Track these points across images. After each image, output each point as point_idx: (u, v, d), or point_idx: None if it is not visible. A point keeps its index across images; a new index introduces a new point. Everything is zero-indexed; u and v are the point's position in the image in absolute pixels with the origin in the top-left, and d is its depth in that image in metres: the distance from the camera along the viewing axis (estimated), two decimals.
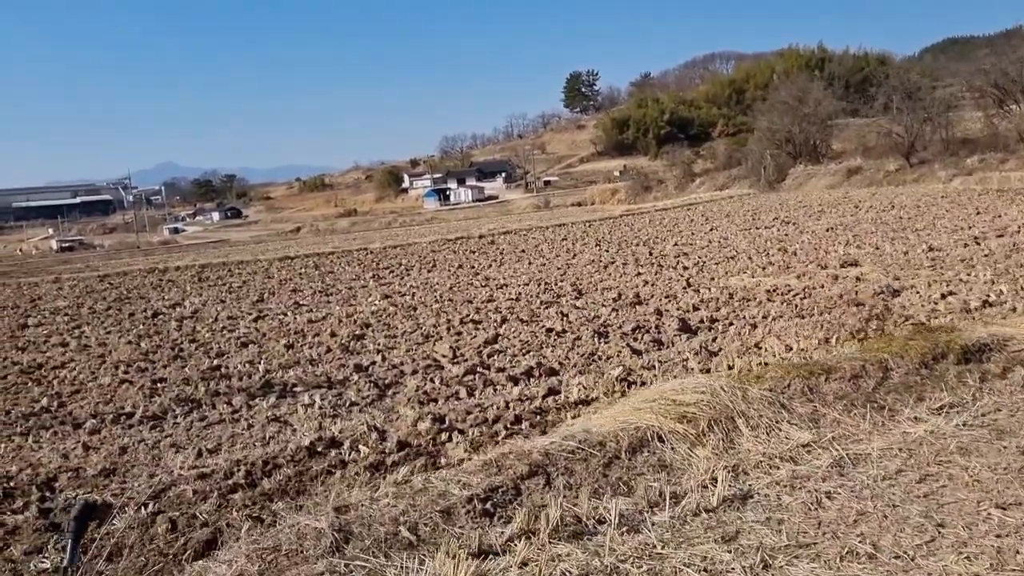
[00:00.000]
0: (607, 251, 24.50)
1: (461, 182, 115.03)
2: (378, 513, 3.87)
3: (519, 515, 3.69)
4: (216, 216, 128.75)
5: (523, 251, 27.25)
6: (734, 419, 4.88)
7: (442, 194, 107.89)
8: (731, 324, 12.27)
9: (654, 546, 3.58)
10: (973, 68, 61.26)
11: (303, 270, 26.13)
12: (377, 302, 17.34)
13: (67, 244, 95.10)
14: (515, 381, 10.00)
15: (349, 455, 7.53)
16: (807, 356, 9.25)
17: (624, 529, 3.74)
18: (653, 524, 3.80)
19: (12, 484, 7.40)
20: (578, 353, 11.13)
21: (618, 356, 10.89)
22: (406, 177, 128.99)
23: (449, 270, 22.90)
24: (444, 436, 7.85)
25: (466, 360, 11.18)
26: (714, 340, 11.26)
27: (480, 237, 35.14)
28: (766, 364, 7.29)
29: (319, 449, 7.76)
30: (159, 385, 11.07)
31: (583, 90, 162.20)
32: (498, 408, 8.80)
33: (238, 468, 7.29)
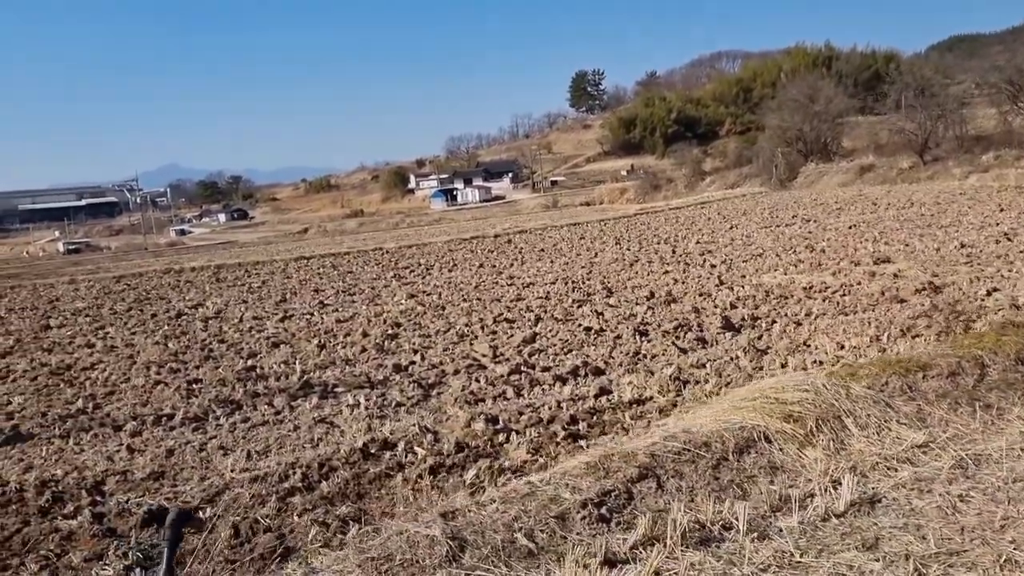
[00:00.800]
0: (629, 249, 24.25)
1: (468, 182, 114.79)
2: (489, 520, 3.63)
3: (642, 521, 3.46)
4: (222, 217, 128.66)
5: (542, 250, 27.01)
6: (841, 418, 4.64)
7: (449, 194, 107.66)
8: (774, 322, 12.02)
9: (791, 554, 3.35)
10: (987, 65, 60.90)
11: (321, 270, 25.91)
12: (404, 301, 17.11)
13: (74, 246, 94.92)
14: (562, 380, 9.77)
15: (405, 457, 7.30)
16: (890, 353, 9.03)
17: (753, 535, 3.51)
18: (782, 530, 3.57)
19: (60, 488, 7.18)
20: (622, 352, 10.89)
21: (664, 354, 10.66)
22: (412, 177, 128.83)
23: (471, 269, 22.67)
24: (502, 437, 7.63)
25: (507, 359, 10.94)
26: (759, 338, 11.02)
27: (495, 236, 34.90)
28: (857, 361, 7.03)
29: (372, 451, 7.53)
30: (195, 386, 10.85)
31: (589, 89, 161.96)
32: (550, 408, 8.57)
33: (293, 471, 7.07)
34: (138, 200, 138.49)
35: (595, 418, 8.04)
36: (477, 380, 9.89)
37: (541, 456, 7.03)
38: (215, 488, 6.91)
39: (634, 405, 8.41)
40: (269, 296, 20.06)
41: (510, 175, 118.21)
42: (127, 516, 6.44)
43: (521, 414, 8.43)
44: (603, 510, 3.63)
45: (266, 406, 9.59)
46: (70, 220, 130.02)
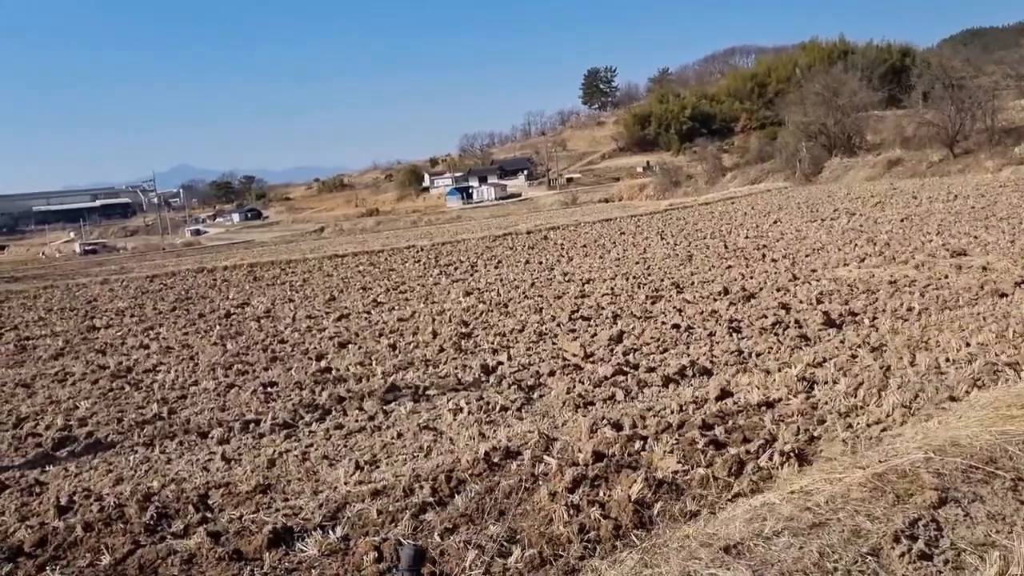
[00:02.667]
0: (677, 245, 23.58)
1: (483, 180, 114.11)
2: (788, 558, 2.99)
3: (990, 559, 2.82)
4: (236, 217, 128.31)
5: (583, 246, 26.35)
6: None
7: (465, 192, 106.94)
8: (875, 318, 11.37)
9: None
10: (1016, 56, 59.88)
11: (360, 268, 25.32)
12: (461, 299, 16.50)
13: (90, 247, 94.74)
14: (671, 382, 9.15)
15: (534, 467, 6.67)
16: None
17: None
18: None
19: (160, 501, 6.57)
20: (722, 350, 10.25)
21: (770, 352, 10.01)
22: (426, 176, 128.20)
23: (517, 266, 22.04)
24: (638, 445, 6.99)
25: (603, 360, 10.32)
26: (868, 335, 10.34)
27: (528, 233, 34.26)
28: None
29: (496, 460, 6.91)
30: (271, 389, 10.25)
31: (601, 87, 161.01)
32: (672, 412, 7.95)
33: (418, 484, 6.45)
34: (152, 201, 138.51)
35: (729, 423, 7.40)
36: (581, 382, 9.26)
37: (690, 465, 6.40)
38: (333, 503, 6.31)
39: (763, 408, 7.79)
40: (315, 295, 19.47)
41: (525, 172, 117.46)
42: (248, 536, 5.83)
43: (643, 418, 7.81)
44: (922, 544, 2.99)
45: (357, 411, 8.99)
46: (84, 221, 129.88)
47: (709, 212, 38.11)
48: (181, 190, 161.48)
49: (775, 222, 28.32)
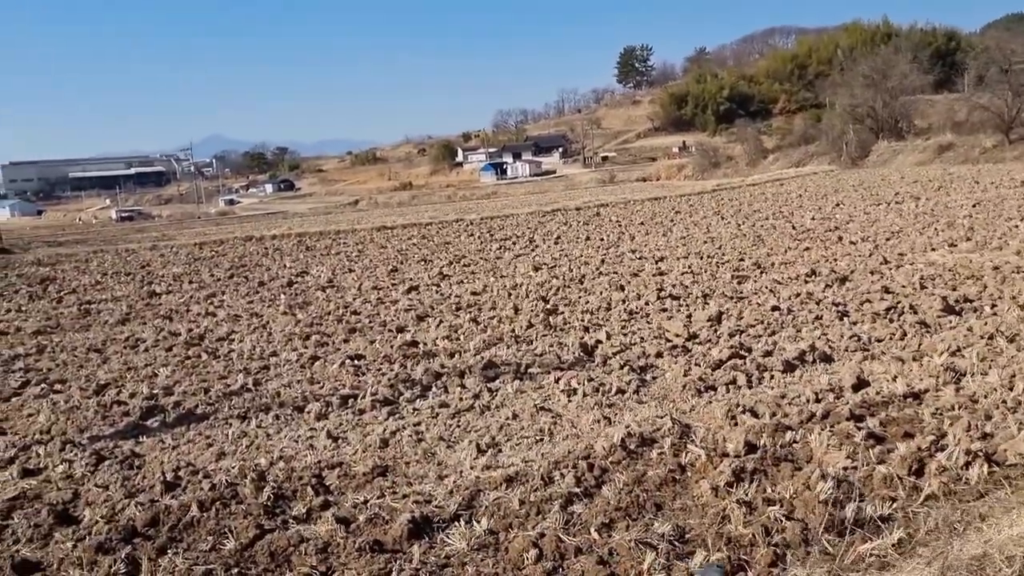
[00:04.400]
0: (742, 225, 22.80)
1: (517, 156, 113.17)
2: None
3: None
4: (269, 188, 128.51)
5: (641, 224, 25.64)
6: None
7: (499, 168, 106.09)
8: (994, 305, 10.64)
9: None
10: None
11: (412, 240, 24.82)
12: (532, 274, 15.93)
13: (126, 214, 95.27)
14: (791, 368, 8.54)
15: (679, 456, 6.10)
16: None
17: None
18: None
19: (272, 480, 6.07)
20: (837, 334, 9.60)
21: (892, 339, 9.35)
22: (460, 151, 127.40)
23: (577, 242, 21.42)
24: (788, 436, 6.40)
25: (709, 341, 9.71)
26: (999, 324, 9.62)
27: (577, 209, 33.59)
28: None
29: (632, 447, 6.34)
30: (359, 363, 9.75)
31: (636, 65, 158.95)
32: (808, 400, 7.35)
33: (558, 472, 5.92)
34: (186, 170, 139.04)
35: (881, 414, 6.77)
36: (697, 364, 8.66)
37: (859, 462, 5.79)
38: (465, 490, 5.79)
39: (911, 399, 7.16)
40: (375, 265, 19.00)
41: (560, 150, 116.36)
42: (382, 524, 5.31)
43: (779, 406, 7.21)
44: None
45: (459, 388, 8.47)
46: (120, 188, 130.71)
47: (760, 193, 37.15)
48: (214, 160, 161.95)
49: (837, 204, 27.40)
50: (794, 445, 6.30)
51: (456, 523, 5.27)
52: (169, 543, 5.25)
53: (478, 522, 5.22)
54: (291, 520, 5.53)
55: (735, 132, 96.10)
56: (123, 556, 5.02)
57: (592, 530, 5.11)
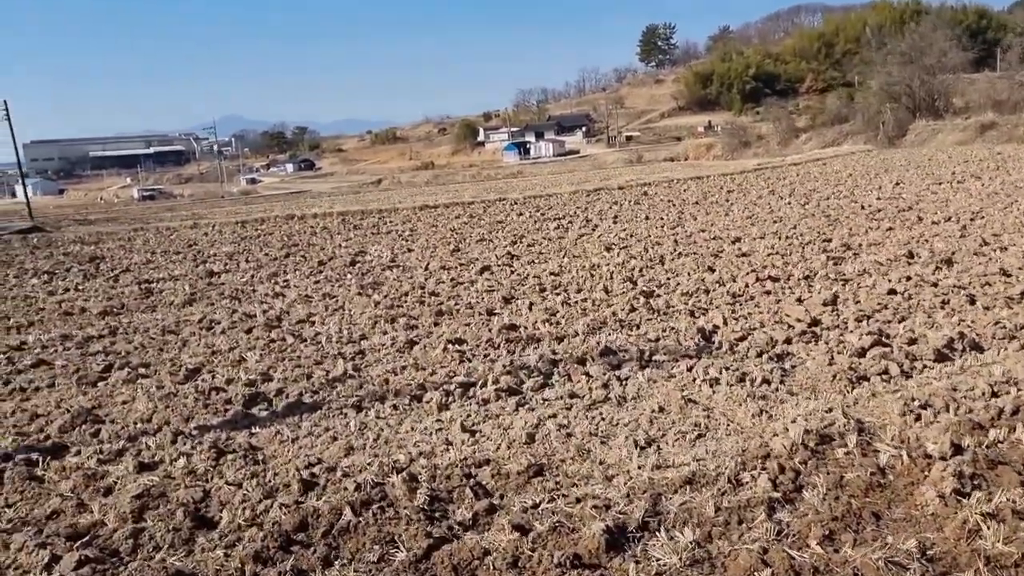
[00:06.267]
0: (807, 204, 22.00)
1: (540, 136, 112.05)
2: None
3: None
4: (290, 167, 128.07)
5: (696, 203, 24.86)
6: None
7: (522, 148, 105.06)
8: None
9: None
10: None
11: (461, 219, 24.16)
12: (605, 254, 15.27)
13: (148, 193, 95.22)
14: (943, 357, 7.86)
15: (869, 457, 5.46)
16: None
17: None
18: None
19: (427, 482, 5.49)
20: (979, 321, 8.90)
21: None
22: (481, 131, 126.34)
23: (636, 221, 20.71)
24: (991, 435, 5.74)
25: (837, 327, 9.04)
26: None
27: (620, 189, 32.77)
28: None
29: (811, 445, 5.71)
30: (462, 347, 9.14)
31: (659, 44, 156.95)
32: (984, 394, 6.68)
33: (746, 473, 5.31)
34: (206, 149, 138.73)
35: None
36: (840, 352, 7.99)
37: None
38: (643, 493, 5.18)
39: None
40: (433, 245, 18.37)
41: (583, 129, 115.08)
42: (567, 533, 4.72)
43: (954, 400, 6.53)
44: None
45: (584, 376, 7.84)
46: (140, 168, 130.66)
47: (806, 173, 36.20)
48: (233, 139, 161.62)
49: (896, 184, 26.50)
50: (999, 445, 5.66)
51: (651, 532, 4.69)
52: (330, 553, 4.69)
53: (680, 532, 4.62)
54: (456, 526, 4.96)
55: (761, 111, 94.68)
56: (288, 568, 4.46)
57: (813, 543, 4.50)
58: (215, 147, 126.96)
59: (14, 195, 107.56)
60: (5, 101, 43.71)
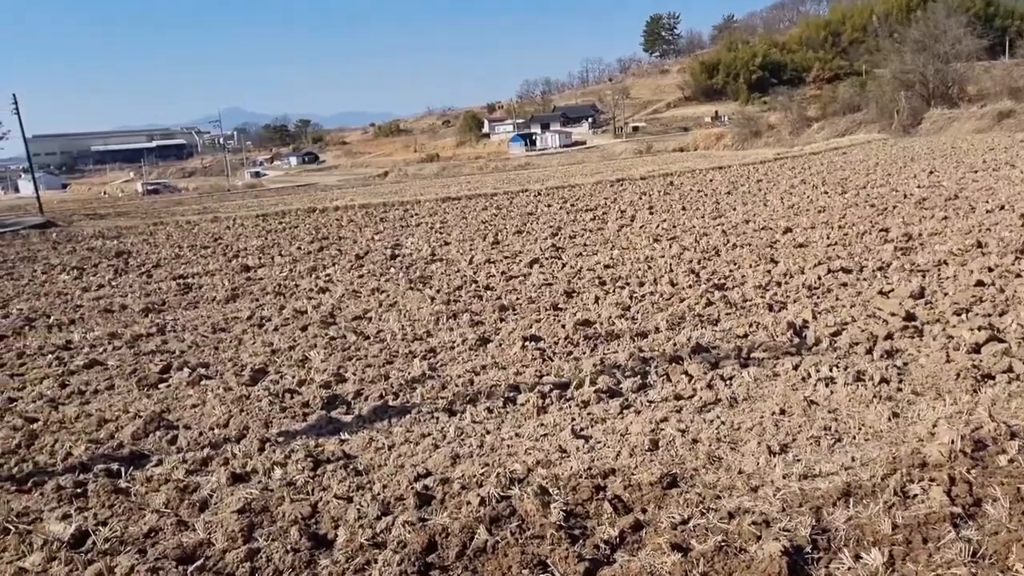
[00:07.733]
0: (844, 194, 21.48)
1: (545, 127, 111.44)
2: None
3: None
4: (294, 161, 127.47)
5: (727, 193, 24.36)
6: None
7: (528, 139, 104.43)
8: None
9: None
10: None
11: (488, 211, 23.67)
12: (654, 245, 14.79)
13: (152, 187, 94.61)
14: None
15: None
16: None
17: None
18: None
19: (563, 495, 5.02)
20: None
21: None
22: (485, 122, 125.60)
23: (673, 212, 20.21)
24: None
25: (936, 321, 8.56)
26: None
27: (642, 179, 32.29)
28: None
29: (969, 452, 5.25)
30: (539, 345, 8.66)
31: (664, 34, 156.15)
32: None
33: (914, 484, 4.84)
34: (207, 143, 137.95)
35: None
36: (956, 348, 7.50)
37: None
38: (799, 506, 4.74)
39: None
40: (470, 238, 17.88)
41: (589, 120, 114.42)
42: (735, 554, 4.26)
43: None
44: None
45: (683, 376, 7.37)
46: (143, 162, 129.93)
47: (829, 162, 35.69)
48: (236, 133, 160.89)
49: (931, 172, 25.97)
50: None
51: (827, 553, 4.24)
52: None
53: (867, 553, 4.16)
54: (603, 545, 4.49)
55: (768, 101, 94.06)
56: None
57: (1019, 566, 4.05)
58: (219, 140, 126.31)
59: (17, 190, 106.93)
60: (15, 95, 43.09)
